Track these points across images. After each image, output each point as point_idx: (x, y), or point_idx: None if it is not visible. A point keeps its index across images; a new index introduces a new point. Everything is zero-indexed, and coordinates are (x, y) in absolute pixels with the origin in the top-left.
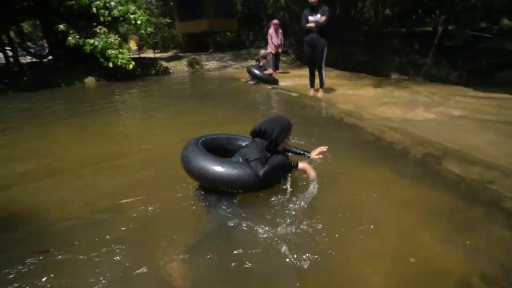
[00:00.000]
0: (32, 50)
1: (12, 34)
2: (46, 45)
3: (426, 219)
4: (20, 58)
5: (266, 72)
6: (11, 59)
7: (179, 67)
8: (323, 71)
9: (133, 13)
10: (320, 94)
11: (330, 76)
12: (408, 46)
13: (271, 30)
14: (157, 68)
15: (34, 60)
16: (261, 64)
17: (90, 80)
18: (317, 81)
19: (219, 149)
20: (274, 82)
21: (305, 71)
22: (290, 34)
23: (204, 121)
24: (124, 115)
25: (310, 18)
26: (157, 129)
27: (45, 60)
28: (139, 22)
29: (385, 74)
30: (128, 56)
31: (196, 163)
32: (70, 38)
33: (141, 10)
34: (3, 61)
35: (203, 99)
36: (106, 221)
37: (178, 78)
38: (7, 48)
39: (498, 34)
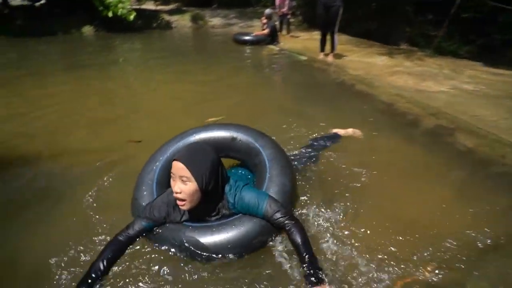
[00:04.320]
0: None
1: None
2: None
3: (434, 187)
4: None
5: (260, 32)
6: None
7: (182, 22)
8: (336, 35)
9: None
10: (330, 58)
11: (340, 41)
12: (421, 15)
13: None
14: (159, 21)
15: (25, 3)
16: (265, 23)
17: (88, 30)
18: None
19: None
20: (266, 41)
21: (313, 35)
22: None
23: (210, 81)
24: (127, 72)
25: None
26: (166, 90)
27: (37, 4)
28: None
29: (394, 43)
30: (129, 5)
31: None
32: None
33: None
34: None
35: (210, 58)
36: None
37: (181, 34)
38: None
39: None
